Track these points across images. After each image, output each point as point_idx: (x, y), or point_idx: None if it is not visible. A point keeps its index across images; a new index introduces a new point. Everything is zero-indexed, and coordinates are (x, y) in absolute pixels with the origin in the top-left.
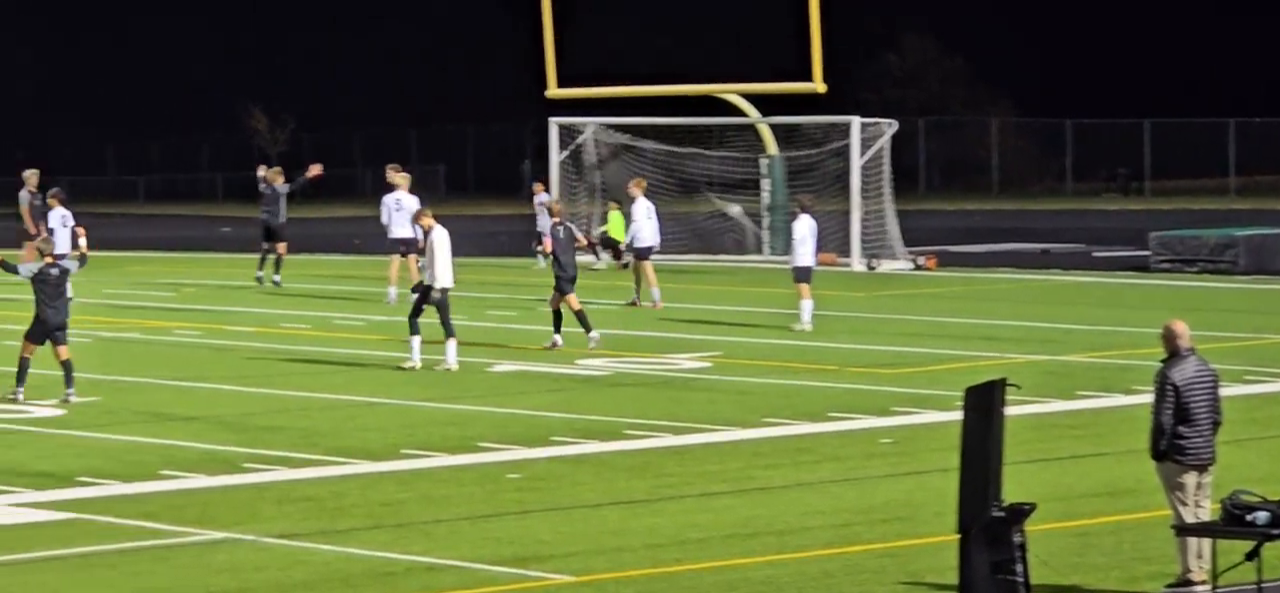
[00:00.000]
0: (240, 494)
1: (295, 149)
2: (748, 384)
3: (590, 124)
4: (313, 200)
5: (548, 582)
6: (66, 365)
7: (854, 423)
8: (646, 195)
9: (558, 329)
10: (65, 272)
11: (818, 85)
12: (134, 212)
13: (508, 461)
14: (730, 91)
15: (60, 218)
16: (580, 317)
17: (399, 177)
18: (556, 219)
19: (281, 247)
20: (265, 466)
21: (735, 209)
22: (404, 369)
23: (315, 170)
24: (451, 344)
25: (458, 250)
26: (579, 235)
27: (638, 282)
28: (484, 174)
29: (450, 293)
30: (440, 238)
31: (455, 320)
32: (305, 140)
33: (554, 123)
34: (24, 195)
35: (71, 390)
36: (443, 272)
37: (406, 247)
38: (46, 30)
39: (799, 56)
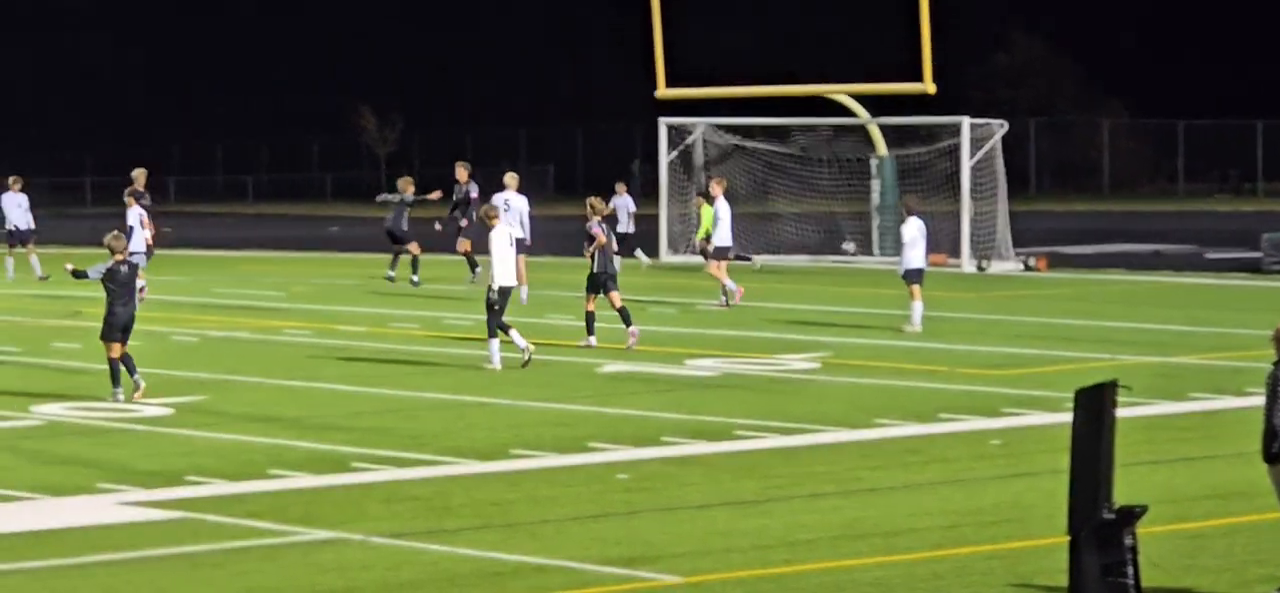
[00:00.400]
0: (347, 494)
1: (404, 149)
2: (857, 385)
3: (700, 124)
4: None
5: (655, 583)
6: (128, 359)
7: (963, 424)
8: (727, 196)
9: (592, 330)
10: (134, 268)
11: (928, 86)
12: (243, 211)
13: (616, 461)
14: (840, 92)
15: (136, 217)
16: (623, 313)
17: (509, 177)
18: (598, 218)
19: (413, 246)
20: (373, 465)
21: (850, 246)
22: (485, 370)
23: (436, 194)
24: (494, 343)
25: (565, 250)
26: (599, 233)
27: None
28: (592, 174)
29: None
30: (498, 237)
31: (563, 321)
32: (414, 140)
33: (663, 123)
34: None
35: (137, 376)
36: (500, 272)
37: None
38: (156, 30)
39: (909, 57)
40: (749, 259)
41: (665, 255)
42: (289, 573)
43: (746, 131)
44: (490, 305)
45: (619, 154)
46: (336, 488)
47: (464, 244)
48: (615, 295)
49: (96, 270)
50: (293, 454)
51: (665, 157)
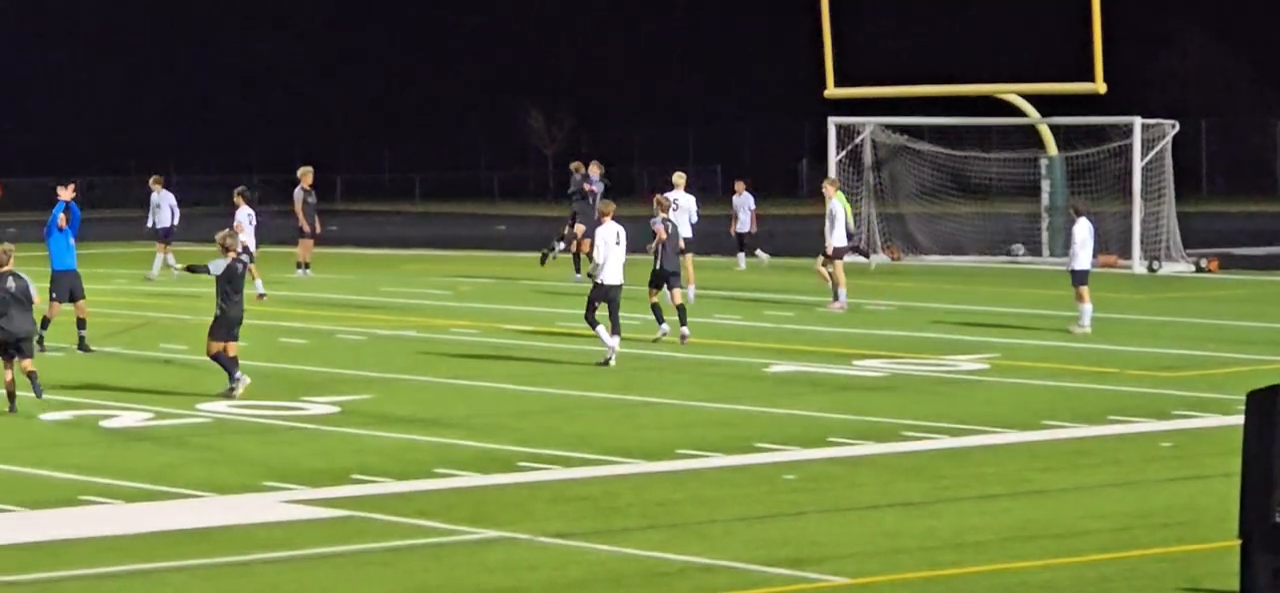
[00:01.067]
0: (514, 493)
1: (571, 148)
2: (1026, 386)
3: (868, 124)
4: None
5: (823, 584)
6: (233, 359)
7: (1134, 426)
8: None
9: (661, 319)
10: (246, 266)
11: (1098, 86)
12: (410, 210)
13: (784, 461)
14: (1010, 92)
15: (247, 216)
16: (681, 310)
17: (677, 176)
18: (666, 215)
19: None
20: (540, 464)
21: (1019, 248)
22: (602, 365)
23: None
24: (614, 340)
25: (733, 249)
26: (660, 230)
27: (835, 281)
28: (760, 174)
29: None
30: (605, 234)
31: (732, 320)
32: (582, 139)
33: (832, 122)
34: (298, 193)
35: (240, 375)
36: (607, 269)
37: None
38: (323, 29)
39: (1080, 56)
40: (866, 256)
41: None
42: (455, 573)
43: (915, 131)
44: (591, 300)
45: (787, 153)
46: (503, 487)
47: (584, 243)
48: (676, 292)
49: (216, 266)
50: (459, 453)
51: (834, 156)
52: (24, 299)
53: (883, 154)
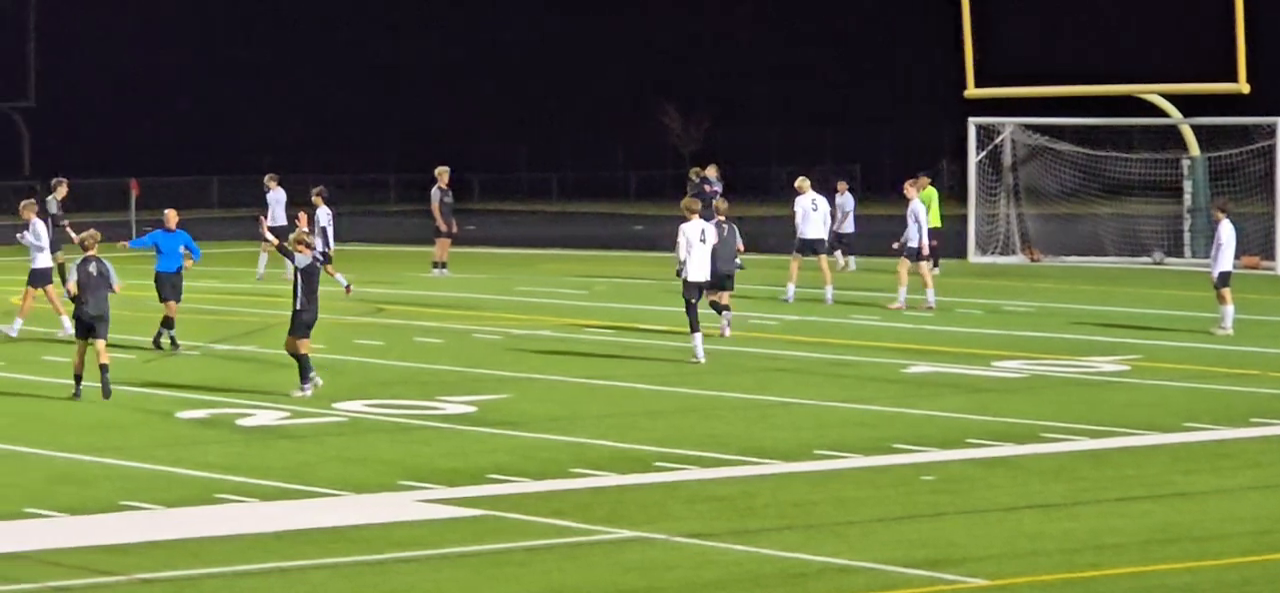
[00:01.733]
0: (650, 493)
1: (708, 147)
2: (1167, 388)
3: (1008, 124)
4: (726, 198)
5: (961, 586)
6: (306, 359)
7: (1276, 428)
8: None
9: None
10: (320, 267)
11: (1242, 86)
12: (547, 209)
13: (921, 462)
14: (1152, 92)
15: (326, 216)
16: (723, 307)
17: (801, 182)
18: (721, 217)
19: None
20: (676, 464)
21: (1158, 254)
22: (691, 363)
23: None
24: (697, 337)
25: (873, 251)
26: (740, 243)
27: (925, 282)
28: (899, 174)
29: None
30: (709, 233)
31: (867, 322)
32: (719, 138)
33: (972, 123)
34: (435, 193)
35: (314, 375)
36: (695, 267)
37: (813, 248)
38: (462, 28)
39: (1223, 56)
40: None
41: (973, 256)
42: (592, 573)
43: (1055, 132)
44: (687, 300)
45: (926, 154)
46: (640, 487)
47: None
48: (724, 293)
49: (300, 260)
50: (596, 453)
51: (973, 156)
52: (103, 283)
53: (1022, 154)
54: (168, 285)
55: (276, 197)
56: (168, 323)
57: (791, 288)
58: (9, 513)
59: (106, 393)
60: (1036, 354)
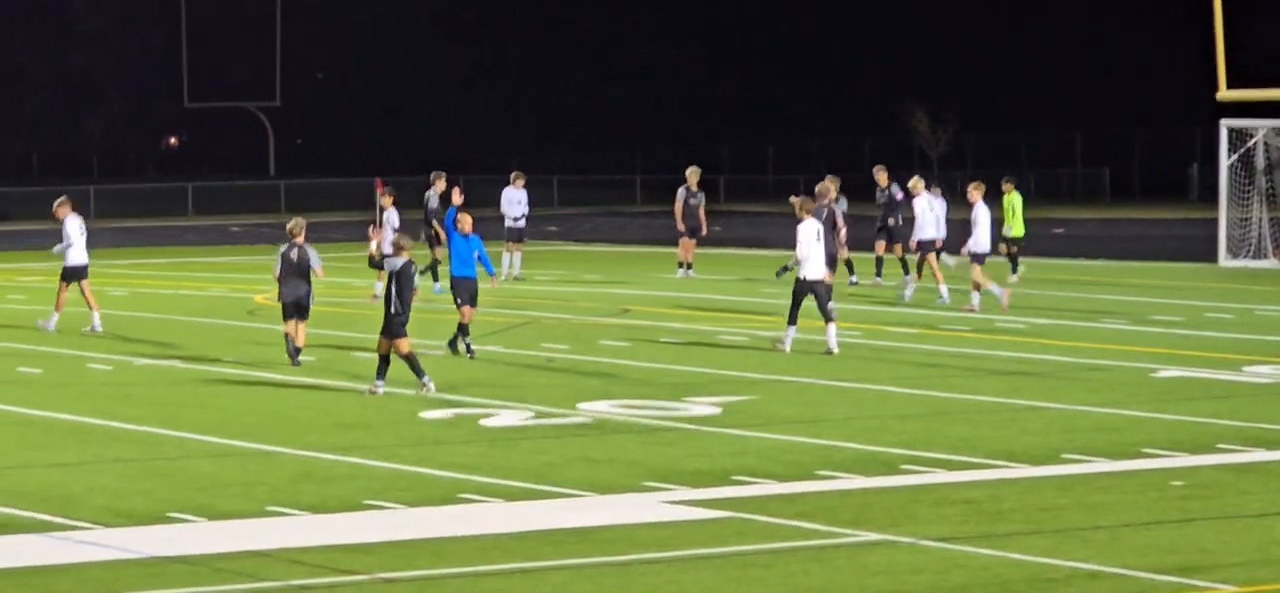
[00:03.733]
0: (897, 496)
1: (956, 150)
2: None
3: (1262, 127)
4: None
5: (1211, 592)
6: (412, 360)
7: None
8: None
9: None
10: (415, 268)
11: None
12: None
13: (1171, 467)
14: None
15: (392, 217)
16: (827, 309)
17: (972, 191)
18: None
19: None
20: (923, 467)
21: None
22: (778, 350)
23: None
24: (831, 329)
25: (1123, 253)
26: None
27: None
28: (1149, 177)
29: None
30: (807, 231)
31: (1120, 325)
32: (969, 141)
33: (1224, 125)
34: (681, 193)
35: (426, 380)
36: (810, 265)
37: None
38: (709, 29)
39: None
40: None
41: (1223, 260)
42: (837, 576)
43: None
44: (795, 294)
45: (1176, 157)
46: (886, 490)
47: (880, 245)
48: (832, 306)
49: (391, 263)
50: (842, 455)
51: (1224, 160)
52: (304, 269)
53: (1276, 157)
54: (464, 291)
55: (512, 196)
56: (463, 330)
57: (943, 289)
58: (253, 511)
59: (294, 361)
60: None
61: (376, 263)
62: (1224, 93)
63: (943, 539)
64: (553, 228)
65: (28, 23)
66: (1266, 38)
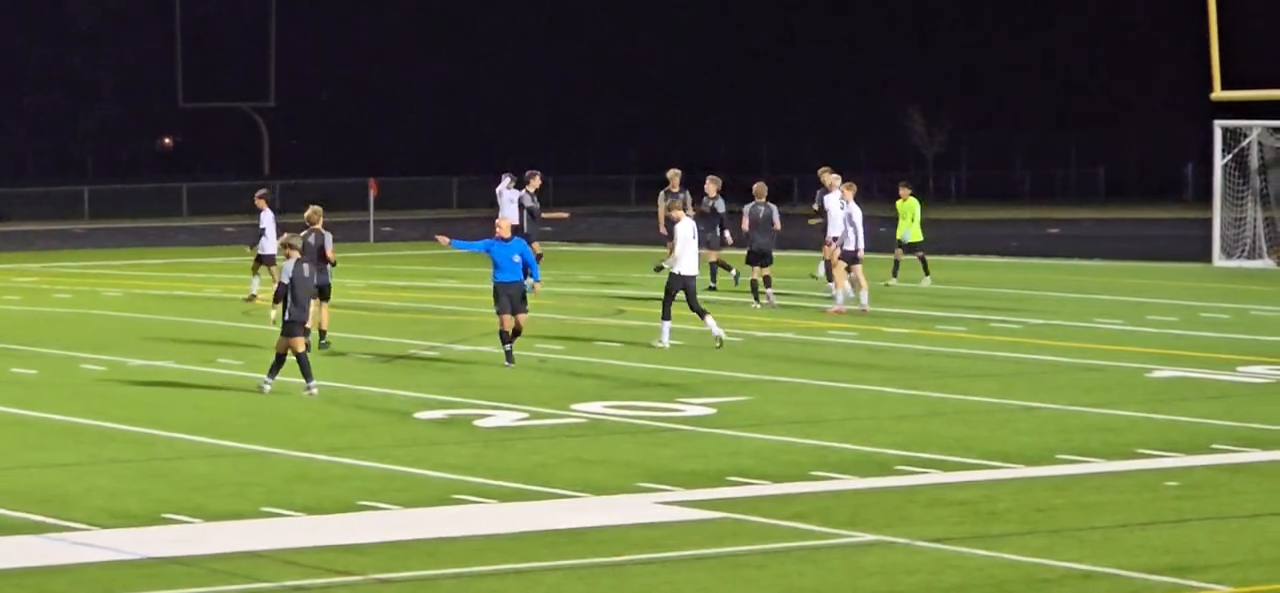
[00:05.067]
0: (891, 496)
1: (952, 151)
2: None
3: (1256, 127)
4: (968, 202)
5: (1205, 592)
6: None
7: None
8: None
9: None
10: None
11: None
12: (785, 212)
13: (1166, 467)
14: None
15: (270, 220)
16: (754, 286)
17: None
18: (762, 200)
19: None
20: (918, 468)
21: None
22: (654, 346)
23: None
24: (709, 319)
25: (1118, 253)
26: (777, 221)
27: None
28: (1144, 177)
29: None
30: (682, 229)
31: (1114, 326)
32: (963, 143)
33: (1218, 125)
34: (662, 196)
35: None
36: (684, 261)
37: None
38: (704, 30)
39: None
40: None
41: (1218, 260)
42: (832, 576)
43: None
44: (667, 289)
45: (1172, 157)
46: (880, 490)
47: (711, 254)
48: (756, 270)
49: (285, 271)
50: (836, 456)
51: (1219, 160)
52: (319, 254)
53: (1270, 157)
54: (505, 298)
55: (508, 195)
56: (503, 337)
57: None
58: (248, 511)
59: (322, 343)
60: None
61: (265, 262)
62: (1218, 93)
63: (937, 540)
64: (547, 228)
65: (23, 23)
66: (1262, 37)
